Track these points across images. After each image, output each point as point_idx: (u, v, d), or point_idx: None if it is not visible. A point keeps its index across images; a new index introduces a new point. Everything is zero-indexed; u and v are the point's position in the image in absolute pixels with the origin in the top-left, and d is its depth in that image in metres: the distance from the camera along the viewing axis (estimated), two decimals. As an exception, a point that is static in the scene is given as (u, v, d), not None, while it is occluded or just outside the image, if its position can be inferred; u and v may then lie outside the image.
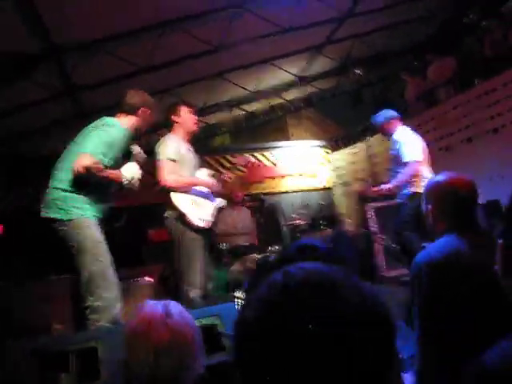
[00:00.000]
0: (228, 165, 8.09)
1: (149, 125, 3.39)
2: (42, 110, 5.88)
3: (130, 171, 3.02)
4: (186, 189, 3.62)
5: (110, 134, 2.97)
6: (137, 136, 3.37)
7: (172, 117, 3.82)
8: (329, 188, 8.86)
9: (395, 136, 4.81)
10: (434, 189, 1.96)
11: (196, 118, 3.93)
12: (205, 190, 3.81)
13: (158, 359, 1.23)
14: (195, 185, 3.73)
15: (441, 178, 1.97)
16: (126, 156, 3.19)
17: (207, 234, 3.79)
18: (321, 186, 8.82)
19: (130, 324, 1.36)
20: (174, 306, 1.37)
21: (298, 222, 6.70)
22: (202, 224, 3.61)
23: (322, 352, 0.60)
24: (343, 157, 8.66)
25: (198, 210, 3.64)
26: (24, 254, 5.40)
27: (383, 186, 4.78)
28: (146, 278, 5.24)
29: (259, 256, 5.65)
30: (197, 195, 3.70)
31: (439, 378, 1.72)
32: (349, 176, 8.49)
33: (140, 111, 3.22)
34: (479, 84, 6.02)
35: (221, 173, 4.34)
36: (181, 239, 3.58)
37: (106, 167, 2.89)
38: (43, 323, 4.45)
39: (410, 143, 4.67)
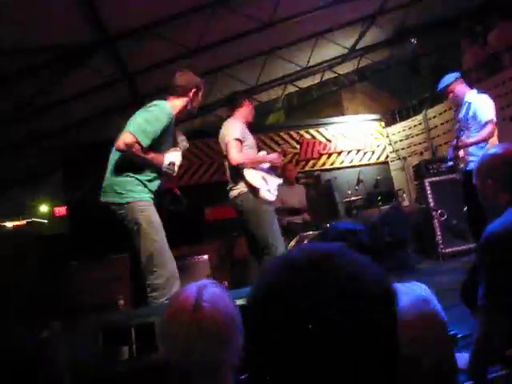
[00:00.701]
0: (281, 142, 8.08)
1: (199, 104, 3.44)
2: (100, 98, 6.10)
3: (171, 157, 3.09)
4: (253, 165, 3.86)
5: (153, 114, 3.04)
6: (192, 115, 3.47)
7: (235, 108, 4.08)
8: (385, 163, 8.66)
9: (467, 98, 4.45)
10: (492, 161, 1.90)
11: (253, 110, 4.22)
12: (267, 167, 4.04)
13: (186, 353, 1.16)
14: (261, 162, 3.98)
15: (498, 149, 1.91)
16: (173, 143, 3.27)
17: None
18: (377, 160, 8.63)
19: (163, 312, 1.29)
20: (209, 291, 1.25)
21: (353, 198, 6.62)
22: (272, 198, 3.85)
23: (318, 337, 0.62)
24: (400, 130, 8.42)
25: (267, 185, 3.86)
26: (88, 235, 5.69)
27: (464, 141, 4.37)
28: (204, 256, 5.40)
29: (316, 233, 5.67)
30: (263, 171, 3.93)
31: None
32: (406, 150, 8.26)
33: (190, 92, 3.27)
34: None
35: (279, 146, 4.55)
36: (259, 214, 3.79)
37: (149, 146, 2.97)
38: (109, 300, 4.72)
39: (487, 104, 4.35)
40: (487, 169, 1.91)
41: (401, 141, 8.39)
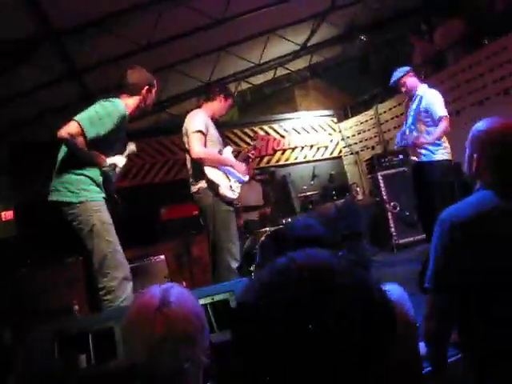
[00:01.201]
0: (236, 139, 8.08)
1: (152, 102, 3.34)
2: (48, 96, 5.88)
3: (114, 159, 2.97)
4: (214, 164, 3.73)
5: (106, 110, 2.91)
6: (144, 114, 3.35)
7: (208, 100, 3.97)
8: (339, 157, 8.81)
9: (419, 91, 4.57)
10: (482, 137, 1.76)
11: (229, 107, 4.10)
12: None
13: (152, 355, 1.12)
14: (224, 164, 3.82)
15: (488, 123, 1.77)
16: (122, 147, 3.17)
17: (234, 207, 3.93)
18: (330, 155, 8.77)
19: (126, 315, 1.25)
20: (175, 290, 1.23)
21: (308, 193, 6.69)
22: (233, 196, 3.76)
23: (318, 339, 0.61)
24: (352, 125, 8.59)
25: (229, 182, 3.77)
26: (38, 239, 5.47)
27: (422, 140, 4.41)
28: (161, 256, 5.31)
29: (272, 229, 5.68)
30: (226, 169, 3.82)
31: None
32: (358, 145, 8.43)
33: (143, 90, 3.16)
34: (488, 44, 5.87)
35: (244, 149, 4.40)
36: (216, 212, 3.68)
37: (96, 145, 2.85)
38: (65, 305, 4.56)
39: (439, 99, 4.46)
40: (476, 143, 1.79)
41: (353, 136, 8.56)
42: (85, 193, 2.87)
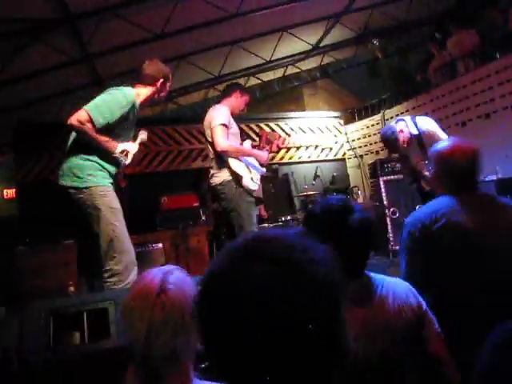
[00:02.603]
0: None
1: (165, 95, 3.40)
2: (58, 78, 5.91)
3: (126, 146, 3.02)
4: (238, 155, 3.80)
5: (114, 97, 2.97)
6: (155, 103, 3.41)
7: (225, 96, 4.05)
8: (342, 159, 8.83)
9: (414, 131, 4.36)
10: (435, 156, 2.12)
11: (246, 105, 4.13)
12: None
13: (149, 337, 1.15)
14: (249, 154, 3.91)
15: (443, 144, 2.13)
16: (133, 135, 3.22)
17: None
18: (334, 157, 8.79)
19: (126, 297, 1.27)
20: (175, 275, 1.25)
21: (310, 192, 6.73)
22: (255, 187, 3.83)
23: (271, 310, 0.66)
24: (358, 129, 8.61)
25: (251, 174, 3.84)
26: (39, 219, 5.52)
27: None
28: (159, 245, 5.36)
29: (271, 225, 5.73)
30: (247, 161, 3.89)
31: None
32: (363, 148, 8.45)
33: (158, 82, 3.22)
34: (500, 58, 5.89)
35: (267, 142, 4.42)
36: (239, 203, 3.75)
37: (106, 131, 2.90)
38: (59, 286, 4.61)
39: (435, 125, 4.34)
40: (431, 160, 2.16)
41: (358, 139, 8.57)
42: (91, 178, 2.92)
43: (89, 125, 2.82)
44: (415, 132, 4.45)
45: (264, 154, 4.06)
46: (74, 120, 2.80)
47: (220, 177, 3.81)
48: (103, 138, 2.91)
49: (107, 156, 2.99)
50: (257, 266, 0.69)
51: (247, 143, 4.13)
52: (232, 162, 3.75)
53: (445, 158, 2.05)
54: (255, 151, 4.04)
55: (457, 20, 6.96)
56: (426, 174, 4.40)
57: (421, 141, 4.47)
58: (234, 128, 3.93)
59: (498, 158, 5.28)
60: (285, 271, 0.69)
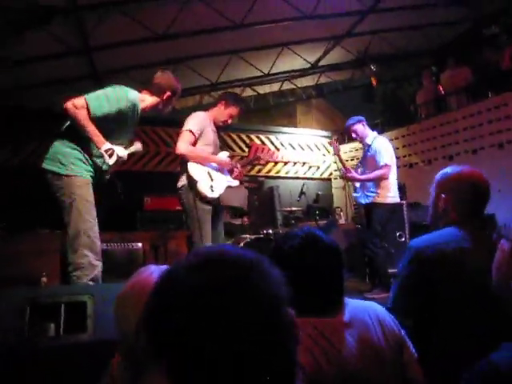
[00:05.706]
0: (230, 143, 8.11)
1: (169, 108, 3.39)
2: (54, 66, 5.85)
3: (115, 148, 2.99)
4: (198, 160, 3.75)
5: (115, 93, 2.98)
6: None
7: (218, 104, 4.00)
8: (328, 179, 8.90)
9: (368, 140, 4.91)
10: (452, 178, 1.95)
11: (230, 117, 4.04)
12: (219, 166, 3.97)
13: (138, 329, 1.14)
14: (208, 160, 3.85)
15: (458, 169, 1.97)
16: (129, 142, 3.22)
17: (218, 208, 3.93)
18: (321, 176, 8.86)
19: (123, 288, 1.29)
20: None
21: (293, 208, 6.75)
22: (212, 194, 3.74)
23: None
24: (347, 151, 8.68)
25: (211, 182, 3.78)
26: (16, 207, 5.41)
27: (354, 175, 4.84)
28: (138, 244, 5.30)
29: (252, 237, 5.72)
30: (212, 168, 3.85)
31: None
32: (349, 170, 8.52)
33: (164, 94, 3.24)
34: (492, 97, 6.03)
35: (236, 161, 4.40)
36: (193, 209, 3.68)
37: (98, 119, 2.89)
38: (32, 276, 4.51)
39: (386, 148, 4.76)
40: (445, 183, 1.97)
41: (346, 161, 8.63)
42: (73, 167, 2.91)
43: (84, 111, 2.83)
44: (369, 142, 4.91)
45: (226, 160, 4.01)
46: (69, 104, 2.82)
47: (180, 181, 3.78)
48: (94, 131, 2.89)
49: (94, 150, 2.97)
50: (202, 278, 0.70)
51: (223, 154, 4.07)
52: (191, 166, 3.71)
53: (467, 179, 1.90)
54: (216, 157, 3.95)
55: (454, 55, 7.12)
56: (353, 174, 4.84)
57: (366, 152, 4.92)
58: (209, 137, 3.87)
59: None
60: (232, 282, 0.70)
